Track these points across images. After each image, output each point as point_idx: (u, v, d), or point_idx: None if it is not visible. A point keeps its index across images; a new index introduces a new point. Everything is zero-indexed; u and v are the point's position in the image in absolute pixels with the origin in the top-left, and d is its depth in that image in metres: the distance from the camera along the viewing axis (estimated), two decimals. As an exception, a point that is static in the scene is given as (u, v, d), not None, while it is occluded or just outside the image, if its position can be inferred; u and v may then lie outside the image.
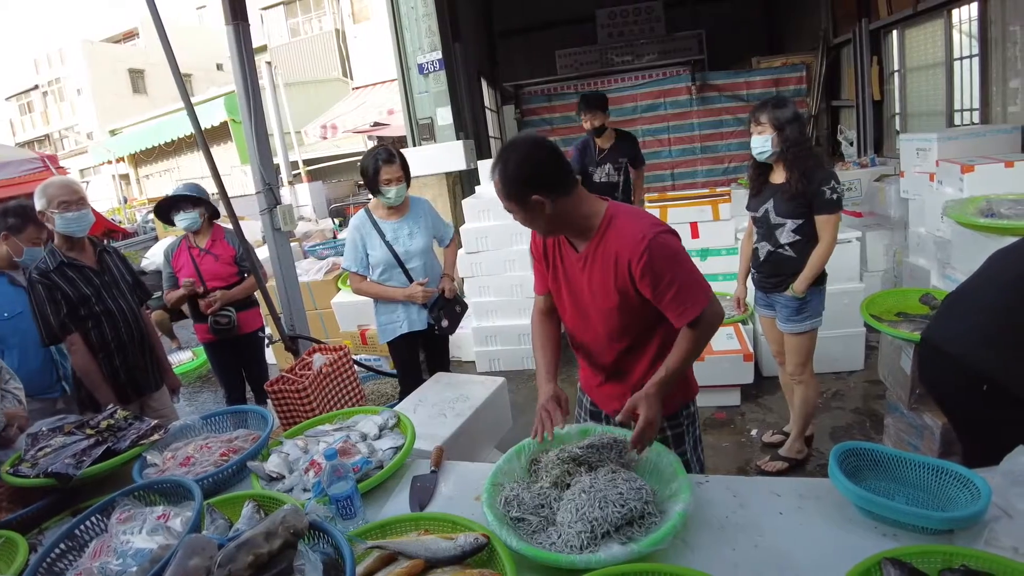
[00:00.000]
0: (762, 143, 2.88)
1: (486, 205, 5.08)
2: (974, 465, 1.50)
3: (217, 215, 3.88)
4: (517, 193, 1.72)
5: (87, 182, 23.32)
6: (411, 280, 3.25)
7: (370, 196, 3.29)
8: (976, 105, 4.84)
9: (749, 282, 3.37)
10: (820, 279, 3.00)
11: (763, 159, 2.94)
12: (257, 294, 3.89)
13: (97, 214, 7.63)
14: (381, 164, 3.11)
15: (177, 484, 1.67)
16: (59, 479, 1.84)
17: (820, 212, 2.85)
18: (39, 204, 2.78)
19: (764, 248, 3.06)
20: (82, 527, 1.57)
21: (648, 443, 1.66)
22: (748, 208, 3.13)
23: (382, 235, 3.22)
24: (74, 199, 2.78)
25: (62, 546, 1.51)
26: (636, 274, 1.73)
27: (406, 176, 3.22)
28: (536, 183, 1.71)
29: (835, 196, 2.82)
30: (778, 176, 2.95)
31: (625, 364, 1.95)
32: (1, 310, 2.93)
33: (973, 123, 4.93)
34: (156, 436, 2.11)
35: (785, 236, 2.95)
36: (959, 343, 1.97)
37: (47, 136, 31.50)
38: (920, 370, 2.19)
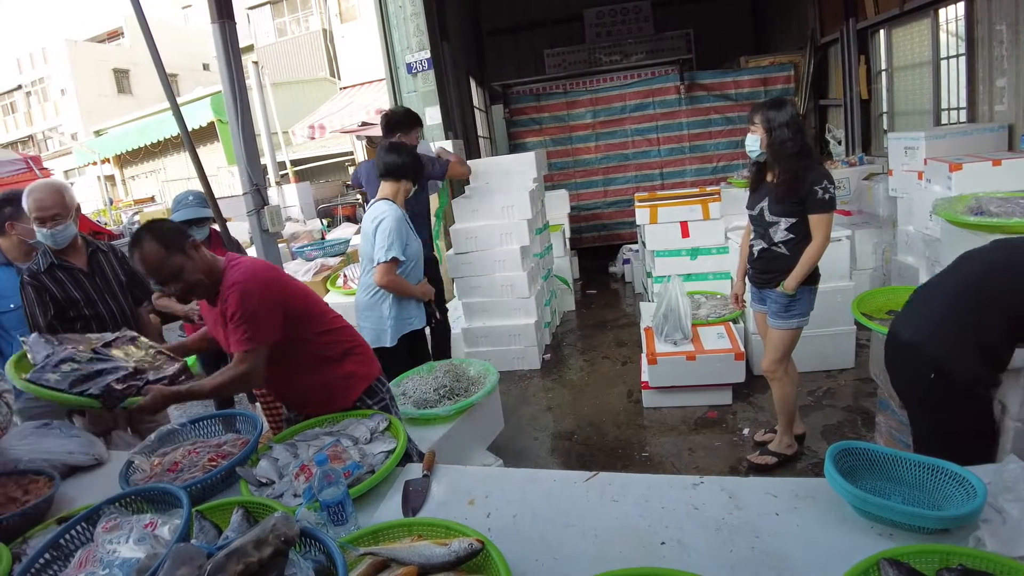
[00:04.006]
0: (751, 142, 2.97)
1: (475, 205, 5.06)
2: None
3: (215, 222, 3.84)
4: (166, 262, 1.96)
5: (72, 183, 23.04)
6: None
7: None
8: (963, 104, 4.87)
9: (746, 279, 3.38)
10: (812, 279, 3.03)
11: (754, 158, 3.01)
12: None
13: (82, 216, 7.54)
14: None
15: (164, 491, 1.64)
16: (105, 401, 1.86)
17: (812, 211, 2.88)
18: (25, 207, 2.75)
19: (759, 245, 3.10)
20: (67, 536, 1.53)
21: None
22: (747, 207, 3.17)
23: (412, 228, 3.34)
24: (49, 215, 2.71)
25: (47, 556, 1.48)
26: (225, 309, 2.03)
27: None
28: (175, 246, 1.98)
29: (827, 196, 2.85)
30: (772, 175, 3.00)
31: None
32: (7, 301, 2.88)
33: (960, 122, 4.96)
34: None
35: (779, 234, 2.99)
36: (915, 332, 2.09)
37: (31, 137, 31.11)
38: (885, 358, 2.26)
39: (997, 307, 1.91)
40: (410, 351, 3.47)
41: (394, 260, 3.13)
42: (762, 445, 3.43)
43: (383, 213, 3.18)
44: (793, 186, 2.86)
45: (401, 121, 4.22)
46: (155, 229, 2.00)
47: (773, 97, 3.16)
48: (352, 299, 3.67)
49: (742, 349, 3.87)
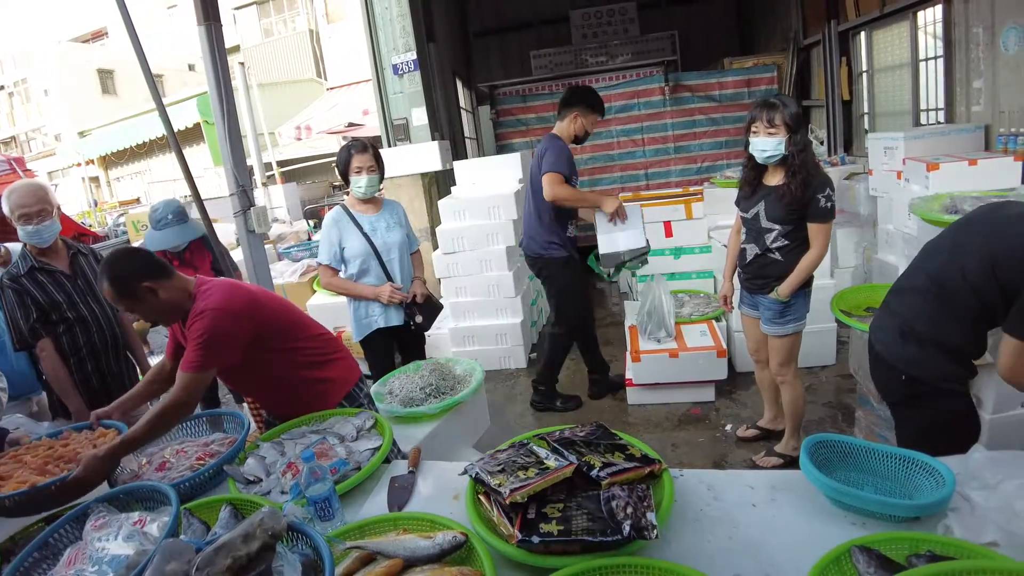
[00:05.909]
0: (775, 145, 2.74)
1: (462, 206, 5.08)
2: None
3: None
4: (128, 287, 1.99)
5: (56, 184, 22.80)
6: (387, 273, 3.28)
7: (346, 195, 3.32)
8: (941, 105, 4.95)
9: (735, 280, 3.31)
10: (805, 282, 2.96)
11: (770, 162, 2.83)
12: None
13: (66, 218, 7.47)
14: (353, 153, 3.21)
15: (153, 489, 1.66)
16: None
17: (813, 220, 2.79)
18: (4, 209, 2.74)
19: (752, 250, 3.01)
20: (56, 535, 1.55)
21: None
22: (738, 207, 3.06)
23: (360, 227, 3.25)
24: (34, 211, 2.71)
25: (36, 555, 1.49)
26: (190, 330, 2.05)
27: (379, 169, 3.29)
28: (143, 273, 2.01)
29: (829, 204, 2.76)
30: (773, 179, 2.87)
31: None
32: None
33: (938, 122, 5.04)
34: None
35: (774, 240, 2.90)
36: (884, 336, 2.12)
37: (13, 138, 30.76)
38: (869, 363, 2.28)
39: (960, 304, 1.89)
40: (400, 348, 3.50)
41: (324, 265, 3.27)
42: (744, 441, 3.47)
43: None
44: (799, 191, 2.74)
45: (569, 100, 3.83)
46: (111, 274, 1.99)
47: (774, 95, 3.05)
48: (337, 300, 3.69)
49: (724, 346, 3.92)
